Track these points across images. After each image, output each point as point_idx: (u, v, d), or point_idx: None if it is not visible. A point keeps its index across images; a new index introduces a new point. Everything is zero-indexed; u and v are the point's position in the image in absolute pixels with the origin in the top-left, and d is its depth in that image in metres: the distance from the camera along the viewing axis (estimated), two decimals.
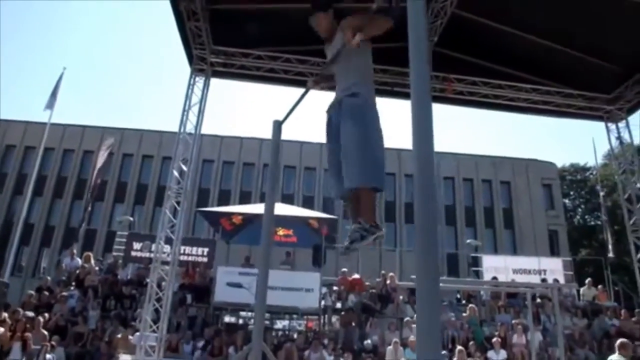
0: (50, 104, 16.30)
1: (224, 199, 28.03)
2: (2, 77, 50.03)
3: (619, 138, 9.98)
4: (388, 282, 12.60)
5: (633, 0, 7.03)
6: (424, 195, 1.97)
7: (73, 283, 12.13)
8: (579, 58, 8.49)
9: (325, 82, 3.49)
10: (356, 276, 12.88)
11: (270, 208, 4.21)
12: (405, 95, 9.16)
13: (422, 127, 2.03)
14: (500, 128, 67.17)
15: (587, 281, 14.26)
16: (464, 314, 11.94)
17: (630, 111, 9.71)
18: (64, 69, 16.71)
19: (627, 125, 9.86)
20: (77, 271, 12.74)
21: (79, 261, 13.41)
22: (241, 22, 7.76)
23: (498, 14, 7.86)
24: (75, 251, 15.02)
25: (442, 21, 7.67)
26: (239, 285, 11.21)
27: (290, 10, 7.58)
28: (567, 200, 38.68)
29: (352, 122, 2.73)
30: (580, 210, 40.81)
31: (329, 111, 3.07)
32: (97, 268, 13.17)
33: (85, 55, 59.17)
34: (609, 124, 9.98)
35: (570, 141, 63.18)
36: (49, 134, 17.19)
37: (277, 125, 4.19)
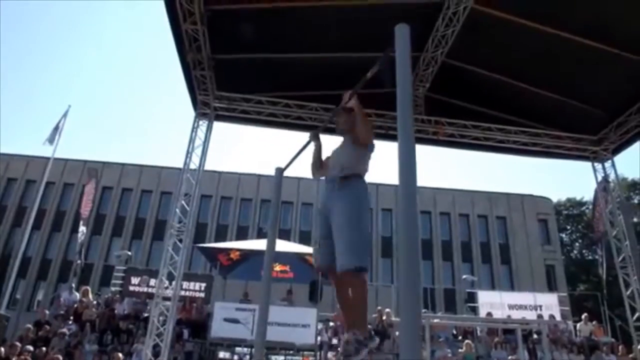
0: (51, 139, 16.50)
1: (222, 234, 28.21)
2: (6, 112, 50.74)
3: (605, 177, 10.32)
4: (384, 318, 12.66)
5: (614, 51, 7.54)
6: (407, 229, 2.27)
7: (71, 317, 12.21)
8: (565, 102, 8.91)
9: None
10: None
11: (271, 248, 4.50)
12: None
13: (407, 165, 2.34)
14: (495, 164, 67.84)
15: (583, 317, 14.22)
16: (460, 350, 11.98)
17: (615, 151, 10.06)
18: (69, 106, 17.10)
19: (613, 165, 10.19)
20: (75, 305, 12.85)
21: (77, 295, 13.52)
22: (243, 70, 8.22)
23: (485, 61, 8.34)
24: (73, 285, 15.15)
25: (433, 69, 8.14)
26: (236, 321, 11.29)
27: (291, 60, 8.07)
28: (563, 235, 38.67)
29: (343, 206, 2.89)
30: (577, 244, 40.72)
31: (326, 186, 3.19)
32: (94, 302, 13.28)
33: (90, 92, 60.22)
34: (595, 164, 10.32)
35: (565, 176, 63.79)
36: (51, 168, 17.51)
37: (279, 172, 4.52)
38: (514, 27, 7.46)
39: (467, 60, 8.37)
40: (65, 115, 16.53)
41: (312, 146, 3.76)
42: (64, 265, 27.63)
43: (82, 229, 16.94)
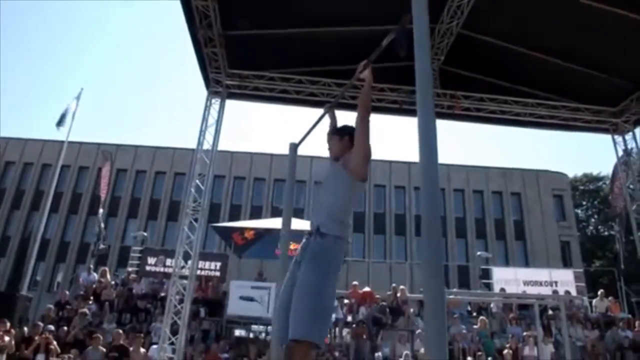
0: (61, 122, 16.41)
1: (235, 214, 28.37)
2: (19, 96, 51.16)
3: (626, 150, 10.09)
4: (399, 294, 12.66)
5: (636, 18, 7.24)
6: (429, 207, 2.21)
7: (91, 297, 12.42)
8: (584, 73, 8.66)
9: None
10: (367, 289, 12.99)
11: (287, 226, 4.47)
12: (413, 113, 9.40)
13: (428, 142, 2.28)
14: (509, 139, 67.03)
15: (599, 293, 14.12)
16: (475, 326, 11.97)
17: (637, 123, 9.82)
18: (81, 89, 16.98)
19: (634, 137, 9.96)
20: (94, 285, 13.06)
21: (96, 276, 13.73)
22: (255, 47, 8.11)
23: (502, 32, 8.10)
24: (91, 266, 15.38)
25: (449, 41, 7.94)
26: (251, 299, 11.40)
27: (301, 35, 7.92)
28: (579, 211, 38.32)
29: (312, 268, 2.65)
30: (593, 220, 40.35)
31: (305, 237, 2.90)
32: (112, 282, 13.48)
33: (102, 75, 60.36)
34: (616, 136, 10.10)
35: (581, 151, 62.88)
36: (65, 151, 17.61)
37: (294, 147, 4.47)
38: None
39: (483, 31, 8.14)
40: (78, 98, 16.48)
41: (326, 120, 3.72)
42: (82, 247, 28.12)
43: (101, 211, 17.01)
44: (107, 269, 14.32)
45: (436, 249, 2.09)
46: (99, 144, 30.67)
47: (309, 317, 2.51)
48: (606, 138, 10.29)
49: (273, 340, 3.02)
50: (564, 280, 15.75)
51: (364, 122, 2.87)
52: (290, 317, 2.56)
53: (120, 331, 9.14)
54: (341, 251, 2.82)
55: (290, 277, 2.79)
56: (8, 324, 8.76)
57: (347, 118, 3.56)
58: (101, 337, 9.07)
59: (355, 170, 2.86)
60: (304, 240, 2.91)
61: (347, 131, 3.10)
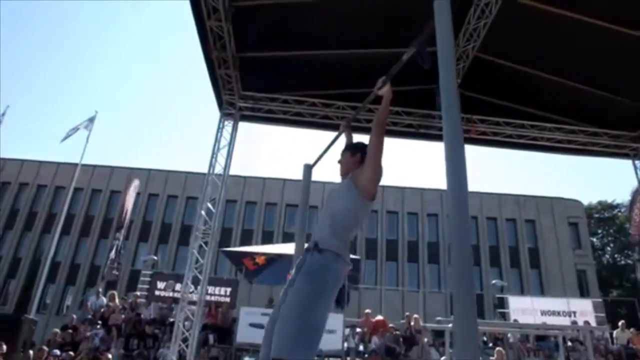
0: (66, 137, 16.34)
1: (247, 239, 28.21)
2: (34, 118, 52.10)
3: None
4: (412, 323, 12.32)
5: None
6: (459, 236, 2.03)
7: (99, 322, 12.21)
8: (602, 97, 8.54)
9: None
10: (379, 317, 12.65)
11: (299, 250, 4.28)
12: (429, 137, 9.29)
13: (456, 170, 2.12)
14: (523, 166, 66.58)
15: (620, 323, 13.63)
16: (492, 358, 11.55)
17: None
18: (95, 112, 17.16)
19: None
20: (102, 310, 12.86)
21: (104, 300, 13.55)
22: (269, 69, 8.08)
23: (519, 55, 8.02)
24: (100, 290, 15.21)
25: (465, 64, 7.85)
26: (262, 326, 11.06)
27: (316, 58, 7.88)
28: (594, 239, 37.73)
29: (305, 283, 2.48)
30: (609, 249, 39.78)
31: (303, 253, 2.76)
32: (121, 307, 13.28)
33: (116, 97, 61.43)
34: (637, 162, 9.89)
35: (596, 178, 62.13)
36: (79, 174, 17.68)
37: (308, 169, 4.34)
38: (549, 18, 7.12)
39: (500, 54, 8.05)
40: (92, 120, 16.61)
41: (342, 141, 3.59)
42: (92, 270, 28.03)
43: (120, 235, 16.77)
44: (115, 292, 14.15)
45: (468, 279, 1.91)
46: (112, 167, 30.94)
47: (294, 337, 2.29)
48: (620, 165, 10.12)
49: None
50: (583, 310, 15.30)
51: (378, 139, 2.74)
52: (274, 334, 2.36)
53: (110, 356, 8.84)
54: (340, 270, 2.58)
55: (284, 294, 2.58)
56: (4, 347, 8.54)
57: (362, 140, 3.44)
58: (110, 356, 8.81)
59: (364, 187, 2.72)
60: (301, 257, 2.73)
61: (359, 148, 2.97)
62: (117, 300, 13.44)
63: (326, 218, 2.75)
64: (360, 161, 2.88)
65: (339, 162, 3.09)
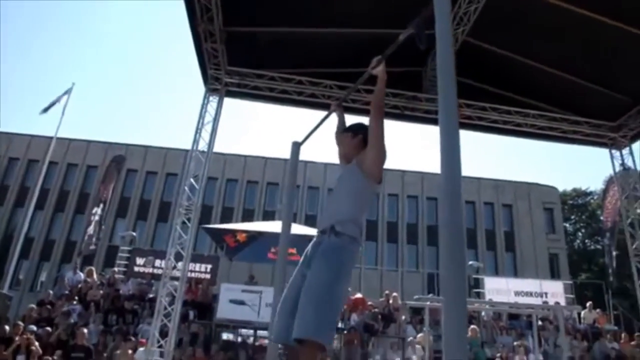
0: (45, 110, 15.93)
1: (227, 216, 28.14)
2: (8, 90, 50.53)
3: (623, 165, 10.14)
4: (391, 301, 12.59)
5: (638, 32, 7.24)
6: (451, 218, 2.07)
7: (76, 297, 12.12)
8: (585, 86, 8.69)
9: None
10: (359, 295, 12.88)
11: (287, 226, 4.31)
12: (414, 119, 9.35)
13: (450, 152, 2.14)
14: (502, 152, 67.56)
15: (588, 304, 14.29)
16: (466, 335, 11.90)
17: (634, 139, 9.89)
18: (72, 84, 16.66)
19: (631, 152, 10.03)
20: (80, 285, 12.76)
21: (82, 275, 13.44)
22: (256, 44, 7.96)
23: (508, 42, 8.10)
24: (77, 265, 15.06)
25: (454, 48, 7.87)
26: (241, 303, 11.20)
27: (304, 34, 7.80)
28: (567, 224, 38.85)
29: (324, 266, 2.53)
30: (580, 234, 41.02)
31: (317, 235, 2.78)
32: (98, 282, 13.20)
33: (93, 69, 59.85)
34: (613, 151, 10.16)
35: (572, 166, 63.56)
36: (54, 147, 17.28)
37: (296, 147, 4.32)
38: (539, 6, 7.17)
39: (489, 40, 8.11)
40: (68, 93, 16.17)
41: (332, 120, 3.58)
42: (67, 246, 27.63)
43: (99, 211, 16.43)
44: (93, 268, 14.05)
45: (459, 259, 1.97)
46: (88, 141, 30.30)
47: (316, 317, 2.37)
48: (596, 154, 10.40)
49: (272, 336, 2.87)
50: (554, 291, 15.97)
51: (378, 121, 2.75)
52: (297, 315, 2.42)
53: (85, 330, 8.82)
54: (355, 252, 2.68)
55: (299, 274, 2.65)
56: None
57: (348, 121, 3.43)
58: (85, 332, 8.78)
59: (370, 171, 2.75)
60: (314, 239, 2.77)
61: (360, 130, 2.95)
62: (95, 276, 13.35)
63: (339, 202, 2.79)
64: (361, 144, 2.89)
65: (339, 146, 3.10)
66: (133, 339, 9.97)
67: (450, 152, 2.14)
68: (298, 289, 2.54)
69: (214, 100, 8.46)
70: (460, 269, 2.00)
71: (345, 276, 2.57)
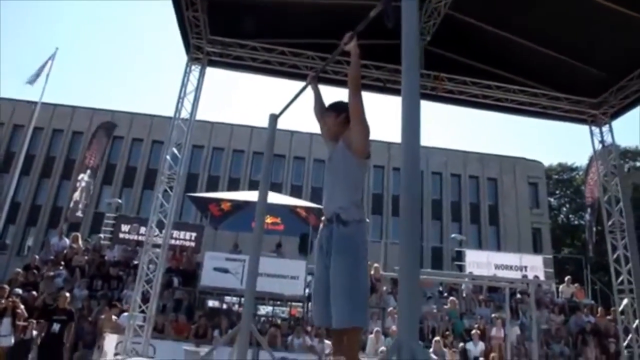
0: (32, 80, 15.78)
1: (213, 185, 28.18)
2: None
3: (602, 142, 10.20)
4: (372, 272, 12.85)
5: (621, 10, 7.27)
6: (408, 189, 2.18)
7: (61, 263, 12.25)
8: (567, 62, 8.67)
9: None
10: None
11: (263, 198, 4.42)
12: (397, 92, 9.37)
13: (411, 124, 2.23)
14: (488, 125, 67.79)
15: (566, 279, 14.63)
16: (446, 307, 12.27)
17: (614, 116, 9.90)
18: (56, 49, 16.40)
19: (610, 130, 10.04)
20: (65, 251, 12.87)
21: (67, 241, 13.54)
22: (238, 13, 7.86)
23: (490, 16, 8.03)
24: (63, 231, 15.13)
25: (436, 21, 7.84)
26: (225, 271, 11.40)
27: (287, 4, 7.72)
28: (552, 199, 39.22)
29: (343, 258, 2.72)
30: (564, 209, 41.36)
31: (323, 226, 2.95)
32: (84, 249, 13.32)
33: (78, 34, 58.42)
34: (593, 128, 10.17)
35: (559, 141, 64.03)
36: (39, 113, 17.10)
37: (273, 119, 4.38)
38: None
39: (471, 14, 8.04)
40: (52, 58, 15.95)
41: (309, 93, 3.64)
42: (54, 211, 27.57)
43: (85, 177, 16.34)
44: (79, 234, 14.14)
45: (414, 230, 2.08)
46: (74, 107, 29.90)
47: (350, 306, 2.62)
48: (582, 129, 10.41)
49: (315, 321, 3.22)
50: (534, 265, 16.23)
51: (356, 97, 2.84)
52: (333, 308, 2.66)
53: (67, 294, 8.97)
54: (365, 232, 2.92)
55: (321, 265, 2.87)
56: None
57: (330, 93, 3.50)
58: (68, 296, 8.92)
59: (358, 148, 2.87)
60: (322, 227, 2.95)
61: (343, 108, 3.04)
62: (80, 242, 13.46)
63: (335, 187, 2.95)
64: (345, 121, 3.00)
65: (324, 125, 3.21)
66: (118, 304, 10.21)
67: (411, 122, 2.22)
68: (325, 280, 2.78)
69: (196, 70, 8.40)
70: (415, 238, 2.11)
71: (363, 259, 2.79)
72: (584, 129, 10.38)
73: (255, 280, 4.16)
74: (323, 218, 2.97)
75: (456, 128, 62.40)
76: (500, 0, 7.73)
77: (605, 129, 10.10)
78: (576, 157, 66.43)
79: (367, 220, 2.91)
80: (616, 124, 10.09)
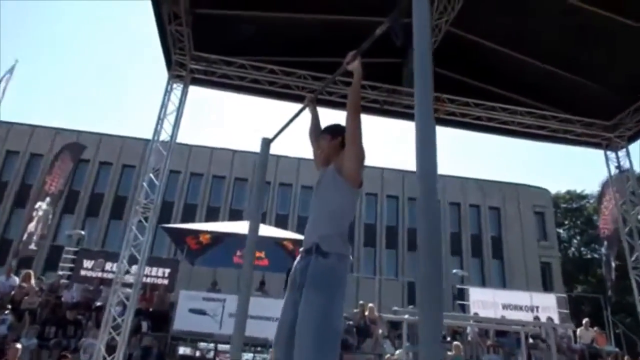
0: None
1: (189, 215, 27.85)
2: None
3: (619, 167, 10.22)
4: (367, 313, 12.68)
5: (637, 25, 7.44)
6: (427, 220, 2.16)
7: (7, 306, 11.74)
8: (578, 82, 8.78)
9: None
10: None
11: (254, 231, 4.36)
12: (395, 114, 9.45)
13: (426, 150, 2.23)
14: (488, 150, 68.67)
15: (584, 322, 14.13)
16: (449, 353, 12.09)
17: (631, 139, 9.99)
18: (15, 61, 16.31)
19: (628, 154, 10.12)
20: (13, 292, 12.37)
21: (17, 280, 13.05)
22: (226, 28, 7.92)
23: (494, 33, 8.17)
24: (12, 268, 14.60)
25: (437, 39, 7.96)
26: (202, 312, 11.16)
27: (277, 20, 7.80)
28: (561, 230, 39.18)
29: (316, 294, 2.60)
30: (575, 241, 41.23)
31: (300, 258, 2.86)
32: (37, 288, 12.84)
33: (39, 46, 58.39)
34: (608, 152, 10.28)
35: (565, 167, 64.98)
36: None
37: (266, 143, 4.36)
38: None
39: (474, 31, 8.20)
40: (10, 71, 15.83)
41: (305, 116, 3.66)
42: (1, 245, 26.79)
43: (41, 204, 15.97)
44: (31, 272, 13.65)
45: (435, 266, 2.05)
46: (33, 126, 29.57)
47: (317, 346, 2.49)
48: (591, 154, 10.56)
49: None
50: (546, 305, 15.87)
51: (355, 121, 2.83)
52: (296, 349, 2.52)
53: (19, 346, 8.61)
54: (346, 270, 2.76)
55: (290, 301, 2.75)
56: None
57: (327, 115, 3.50)
58: (19, 348, 8.56)
59: (351, 174, 2.83)
60: (299, 259, 2.85)
61: (339, 131, 3.03)
62: (32, 281, 12.97)
63: (320, 215, 2.87)
64: (340, 145, 2.97)
65: (317, 148, 3.18)
66: (69, 356, 9.69)
67: (426, 148, 2.21)
68: (291, 319, 2.64)
69: (177, 88, 8.40)
70: (437, 272, 2.07)
71: (339, 298, 2.65)
72: (593, 152, 10.48)
73: (244, 326, 4.05)
74: (301, 249, 2.87)
75: (453, 153, 63.11)
76: (506, 17, 7.88)
77: (621, 153, 10.18)
78: (585, 183, 67.40)
79: (351, 258, 2.78)
80: (634, 147, 10.20)
